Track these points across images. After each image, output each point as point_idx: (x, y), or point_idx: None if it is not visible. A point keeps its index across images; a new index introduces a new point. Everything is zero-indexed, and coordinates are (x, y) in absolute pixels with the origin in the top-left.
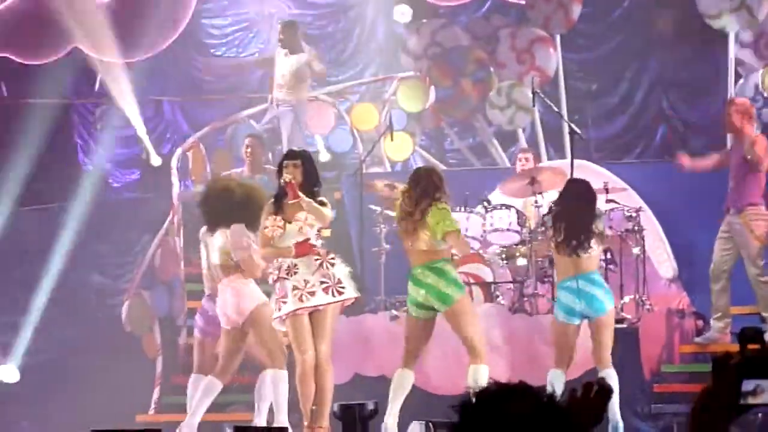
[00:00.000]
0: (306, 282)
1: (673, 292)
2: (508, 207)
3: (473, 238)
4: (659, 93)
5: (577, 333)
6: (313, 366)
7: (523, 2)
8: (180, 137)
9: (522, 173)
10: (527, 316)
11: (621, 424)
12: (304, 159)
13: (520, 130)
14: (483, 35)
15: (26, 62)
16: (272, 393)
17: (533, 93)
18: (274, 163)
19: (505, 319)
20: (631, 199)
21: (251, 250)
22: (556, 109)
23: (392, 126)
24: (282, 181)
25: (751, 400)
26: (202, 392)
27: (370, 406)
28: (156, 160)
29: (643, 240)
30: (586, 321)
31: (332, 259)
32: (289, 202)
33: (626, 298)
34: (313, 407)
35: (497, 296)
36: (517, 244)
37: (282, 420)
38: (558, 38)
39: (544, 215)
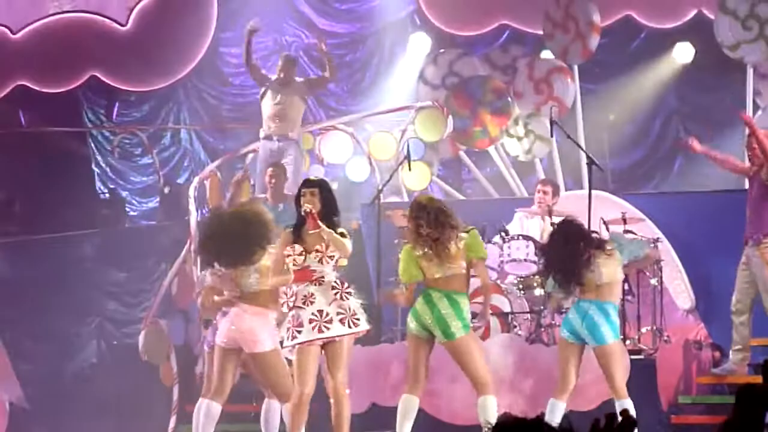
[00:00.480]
0: (321, 312)
1: (690, 323)
2: (525, 237)
3: (491, 268)
4: (677, 123)
5: (577, 355)
6: (310, 399)
7: (541, 33)
8: (198, 165)
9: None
10: (544, 347)
11: None
12: (321, 187)
13: (537, 161)
14: (501, 65)
15: (44, 90)
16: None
17: (551, 123)
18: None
19: (522, 349)
20: (648, 229)
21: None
22: (574, 141)
23: (410, 156)
24: (303, 211)
25: None
26: (204, 417)
27: None
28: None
29: (661, 271)
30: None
31: (348, 290)
32: (310, 231)
33: (644, 329)
34: None
35: (514, 326)
36: (534, 275)
37: None
38: (576, 68)
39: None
